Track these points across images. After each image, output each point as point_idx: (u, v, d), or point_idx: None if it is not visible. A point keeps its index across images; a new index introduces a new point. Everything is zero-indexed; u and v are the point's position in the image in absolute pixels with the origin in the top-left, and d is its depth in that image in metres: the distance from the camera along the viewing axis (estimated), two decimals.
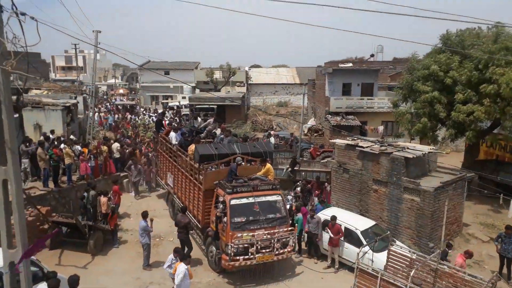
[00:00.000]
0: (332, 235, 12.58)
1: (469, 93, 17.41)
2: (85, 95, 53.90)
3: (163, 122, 18.88)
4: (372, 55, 46.86)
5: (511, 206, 14.68)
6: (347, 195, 15.96)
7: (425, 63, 19.25)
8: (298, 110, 48.78)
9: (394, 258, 10.11)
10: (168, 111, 38.70)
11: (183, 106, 44.66)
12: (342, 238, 12.67)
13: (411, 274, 8.41)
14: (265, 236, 11.23)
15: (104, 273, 11.56)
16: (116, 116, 37.72)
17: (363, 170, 15.24)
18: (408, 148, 14.87)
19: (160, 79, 56.11)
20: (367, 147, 15.09)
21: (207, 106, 37.93)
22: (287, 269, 12.52)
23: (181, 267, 9.47)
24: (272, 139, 21.37)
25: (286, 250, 11.66)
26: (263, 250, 11.24)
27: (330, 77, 32.33)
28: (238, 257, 10.94)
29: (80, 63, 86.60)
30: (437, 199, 13.44)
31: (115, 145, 19.30)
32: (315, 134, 32.91)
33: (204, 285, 11.39)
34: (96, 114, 37.08)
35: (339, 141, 16.67)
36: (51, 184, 15.03)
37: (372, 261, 11.90)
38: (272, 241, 11.32)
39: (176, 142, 15.76)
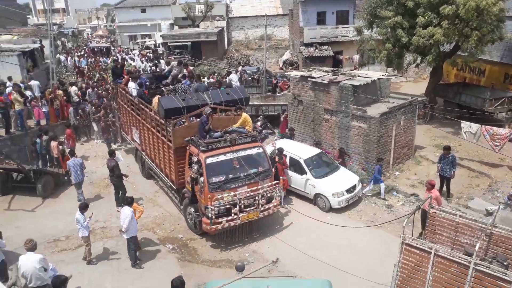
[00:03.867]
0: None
1: (429, 16, 16.86)
2: (63, 39, 52.39)
3: (122, 69, 17.29)
4: None
5: (462, 127, 14.79)
6: (302, 126, 16.04)
7: None
8: (281, 43, 47.43)
9: (436, 223, 8.23)
10: (139, 54, 36.72)
11: (159, 45, 43.26)
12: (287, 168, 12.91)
13: (476, 248, 6.52)
14: (248, 194, 10.20)
15: (50, 214, 11.90)
16: (90, 60, 36.62)
17: (315, 101, 15.17)
18: (359, 76, 14.70)
19: (137, 17, 54.12)
20: (318, 77, 14.88)
21: (181, 43, 36.86)
22: (273, 221, 11.59)
23: (127, 211, 9.36)
24: (233, 76, 20.22)
25: (271, 205, 10.74)
26: (247, 209, 10.28)
27: (304, 5, 31.01)
28: (220, 219, 9.92)
29: (63, 5, 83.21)
30: (384, 124, 13.53)
31: (73, 89, 18.96)
32: (290, 67, 32.34)
33: (151, 219, 11.79)
34: (69, 58, 36.14)
35: (294, 73, 16.45)
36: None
37: (314, 187, 12.34)
38: (256, 198, 10.33)
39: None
